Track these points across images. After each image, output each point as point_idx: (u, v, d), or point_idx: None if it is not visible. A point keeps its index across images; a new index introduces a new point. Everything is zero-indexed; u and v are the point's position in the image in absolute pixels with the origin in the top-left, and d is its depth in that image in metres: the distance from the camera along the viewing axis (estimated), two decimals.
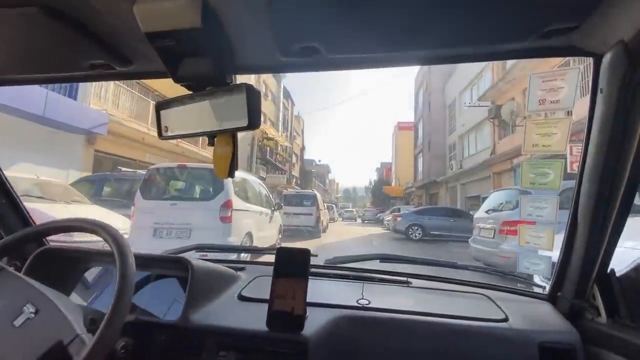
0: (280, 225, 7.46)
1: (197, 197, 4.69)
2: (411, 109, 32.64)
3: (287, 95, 31.10)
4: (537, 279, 1.44)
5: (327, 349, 0.74)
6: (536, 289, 1.14)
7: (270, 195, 6.97)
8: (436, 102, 22.70)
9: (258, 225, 5.30)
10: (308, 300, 0.73)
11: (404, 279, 1.07)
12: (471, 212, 12.02)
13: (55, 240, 0.93)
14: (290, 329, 0.71)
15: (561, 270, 0.87)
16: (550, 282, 0.93)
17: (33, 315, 0.56)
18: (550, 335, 0.78)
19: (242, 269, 1.07)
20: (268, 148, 24.20)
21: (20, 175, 5.18)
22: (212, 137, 0.62)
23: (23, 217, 0.99)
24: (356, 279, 1.07)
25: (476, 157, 15.95)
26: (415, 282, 1.07)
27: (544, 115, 0.85)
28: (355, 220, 29.80)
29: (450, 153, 21.15)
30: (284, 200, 11.66)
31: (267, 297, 0.75)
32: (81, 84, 8.69)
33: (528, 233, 0.97)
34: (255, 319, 0.75)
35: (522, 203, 0.98)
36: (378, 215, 26.57)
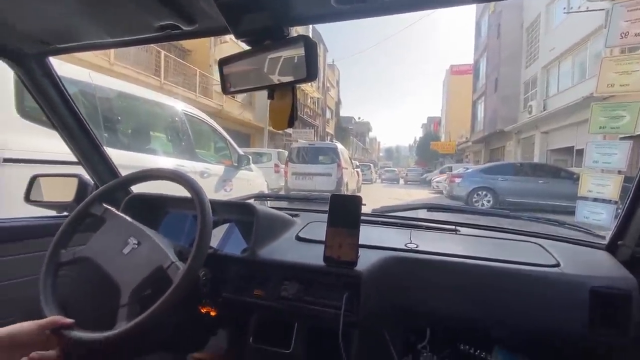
0: (261, 192, 4.47)
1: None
2: (464, 54, 26.57)
3: (318, 38, 26.67)
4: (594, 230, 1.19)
5: (377, 283, 0.79)
6: (594, 239, 1.03)
7: (232, 143, 3.92)
8: (509, 25, 16.93)
9: None
10: (360, 243, 0.76)
11: (452, 227, 1.07)
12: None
13: None
14: (344, 264, 0.77)
15: (626, 219, 0.86)
16: (612, 231, 0.92)
17: (136, 245, 0.70)
18: (604, 281, 0.77)
19: (296, 215, 1.14)
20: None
21: None
22: (271, 90, 0.62)
23: (111, 169, 1.07)
24: (404, 226, 1.08)
25: (570, 93, 11.13)
26: (463, 230, 1.07)
27: (625, 51, 0.62)
28: (397, 182, 26.03)
29: (526, 92, 15.99)
30: (294, 155, 8.49)
31: (321, 238, 0.82)
32: None
33: (591, 181, 0.99)
34: (312, 256, 0.82)
35: (588, 149, 0.99)
36: (424, 175, 22.82)
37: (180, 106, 3.21)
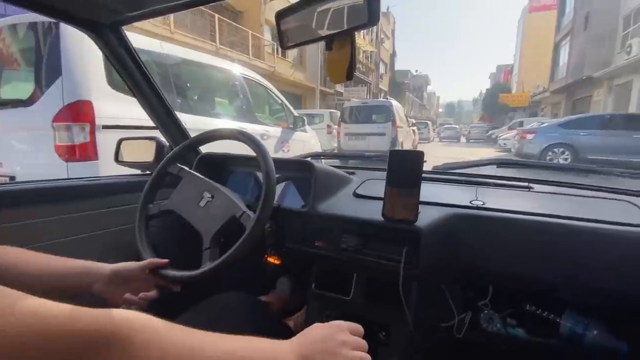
0: (316, 152, 4.56)
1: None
2: None
3: None
4: None
5: (438, 240, 0.77)
6: None
7: (287, 105, 4.00)
8: None
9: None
10: (420, 199, 0.74)
11: (525, 184, 0.98)
12: None
13: None
14: (404, 220, 0.76)
15: None
16: None
17: (211, 199, 0.77)
18: None
19: (352, 173, 1.14)
20: None
21: None
22: (330, 41, 0.59)
23: (182, 131, 1.13)
24: (469, 183, 1.03)
25: None
26: (538, 187, 0.98)
27: None
28: (459, 140, 24.22)
29: (626, 29, 13.16)
30: (346, 115, 8.36)
31: (377, 195, 0.84)
32: None
33: None
34: (369, 211, 0.82)
35: None
36: (490, 132, 20.83)
37: (239, 70, 3.33)
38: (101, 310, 0.29)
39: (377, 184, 0.97)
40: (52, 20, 1.93)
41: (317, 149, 4.70)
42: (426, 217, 0.77)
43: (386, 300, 0.81)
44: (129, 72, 0.96)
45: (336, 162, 1.70)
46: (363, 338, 0.47)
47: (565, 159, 7.10)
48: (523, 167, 1.10)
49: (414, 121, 13.11)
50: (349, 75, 0.59)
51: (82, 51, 1.78)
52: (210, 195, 0.77)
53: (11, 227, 0.75)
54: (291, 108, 4.05)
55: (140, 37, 2.24)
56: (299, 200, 0.96)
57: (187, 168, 0.85)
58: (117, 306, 0.60)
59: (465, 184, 1.03)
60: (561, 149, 7.17)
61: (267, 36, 13.32)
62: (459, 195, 0.93)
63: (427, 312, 0.82)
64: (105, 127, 1.81)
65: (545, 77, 22.82)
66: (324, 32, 0.59)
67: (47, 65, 1.80)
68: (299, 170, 0.97)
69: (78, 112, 1.74)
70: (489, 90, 40.55)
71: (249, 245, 0.68)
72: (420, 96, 52.49)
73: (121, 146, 1.13)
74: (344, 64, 0.59)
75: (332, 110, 10.82)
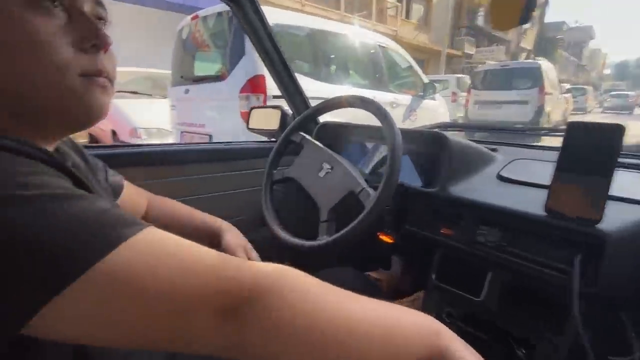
0: (444, 121, 4.33)
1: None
2: None
3: None
4: None
5: (632, 252, 0.58)
6: None
7: (419, 72, 3.86)
8: None
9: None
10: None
11: None
12: None
13: None
14: (579, 218, 0.57)
15: None
16: None
17: (330, 170, 0.76)
18: None
19: (494, 150, 0.94)
20: (480, 9, 17.25)
21: (125, 70, 4.85)
22: None
23: (304, 100, 1.15)
24: None
25: None
26: None
27: None
28: (631, 112, 18.32)
29: None
30: (480, 80, 7.42)
31: (532, 180, 0.72)
32: None
33: None
34: (520, 201, 0.67)
35: None
36: None
37: (375, 39, 3.37)
38: (253, 262, 0.29)
39: (529, 166, 0.81)
40: None
41: (446, 119, 4.42)
42: (614, 217, 0.57)
43: (530, 312, 0.68)
44: (262, 42, 1.00)
45: (469, 135, 1.49)
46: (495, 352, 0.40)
47: None
48: None
49: (567, 86, 10.64)
50: (524, 17, 0.46)
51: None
52: (329, 167, 0.76)
53: (160, 182, 0.86)
54: (422, 74, 3.88)
55: (290, 13, 2.52)
56: (416, 177, 0.88)
57: (308, 137, 0.85)
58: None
59: None
60: None
61: None
62: None
63: (593, 339, 0.64)
64: (274, 97, 2.17)
65: None
66: None
67: (232, 47, 2.24)
68: (428, 144, 0.87)
69: (255, 85, 2.14)
70: None
71: (367, 224, 0.65)
72: (578, 54, 41.48)
73: (252, 114, 1.22)
74: (516, 3, 0.46)
75: (459, 75, 9.77)
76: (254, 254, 0.66)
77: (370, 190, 0.68)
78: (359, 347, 0.26)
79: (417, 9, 14.87)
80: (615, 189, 0.61)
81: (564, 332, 0.59)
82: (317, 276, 0.64)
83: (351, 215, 0.67)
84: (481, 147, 0.89)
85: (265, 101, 2.14)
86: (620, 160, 0.78)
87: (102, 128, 4.32)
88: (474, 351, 0.30)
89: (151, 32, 7.15)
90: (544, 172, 0.63)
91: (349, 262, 0.98)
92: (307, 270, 0.69)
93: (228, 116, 2.31)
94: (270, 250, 0.71)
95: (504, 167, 0.82)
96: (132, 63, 5.43)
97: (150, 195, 0.70)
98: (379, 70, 3.33)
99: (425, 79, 3.90)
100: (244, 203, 1.03)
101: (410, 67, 3.78)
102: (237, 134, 2.17)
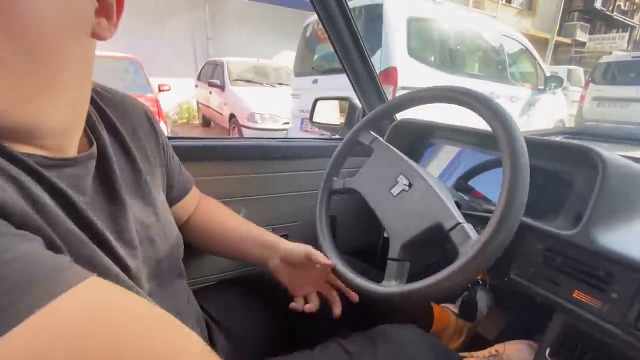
0: (561, 120, 3.95)
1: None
2: None
3: None
4: None
5: None
6: None
7: (540, 63, 3.56)
8: None
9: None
10: None
11: None
12: None
13: None
14: None
15: None
16: None
17: (407, 187, 0.57)
18: None
19: None
20: None
21: (241, 60, 5.40)
22: None
23: (379, 93, 0.99)
24: None
25: None
26: None
27: None
28: None
29: None
30: (602, 73, 6.42)
31: None
32: None
33: None
34: None
35: None
36: None
37: (499, 29, 3.21)
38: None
39: None
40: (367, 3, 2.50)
41: (564, 115, 4.01)
42: None
43: None
44: (335, 24, 0.87)
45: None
46: None
47: None
48: None
49: None
50: None
51: (394, 29, 2.24)
52: (407, 182, 0.57)
53: (211, 179, 0.76)
54: (544, 66, 3.56)
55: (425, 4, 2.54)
56: (563, 213, 0.60)
57: (381, 139, 0.67)
58: (286, 287, 0.60)
59: None
60: None
61: None
62: None
63: None
64: (402, 87, 2.25)
65: None
66: None
67: (370, 40, 2.37)
68: (565, 161, 0.63)
69: (388, 76, 2.25)
70: None
71: (461, 280, 0.45)
72: None
73: (316, 106, 1.07)
74: None
75: (570, 67, 8.59)
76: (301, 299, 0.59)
77: (470, 229, 0.47)
78: None
79: None
80: None
81: None
82: (374, 333, 0.51)
83: (433, 256, 0.54)
84: None
85: (394, 93, 2.23)
86: None
87: (222, 112, 4.94)
88: None
89: (254, 24, 7.76)
90: None
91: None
92: (375, 318, 0.53)
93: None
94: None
95: None
96: (241, 53, 6.03)
97: (202, 198, 0.64)
98: (501, 62, 3.16)
99: (548, 71, 3.57)
100: (302, 207, 0.91)
101: (533, 58, 3.50)
102: None
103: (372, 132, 0.69)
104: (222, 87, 4.85)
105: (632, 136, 0.99)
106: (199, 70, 6.28)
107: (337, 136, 1.04)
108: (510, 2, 12.92)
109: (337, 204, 0.71)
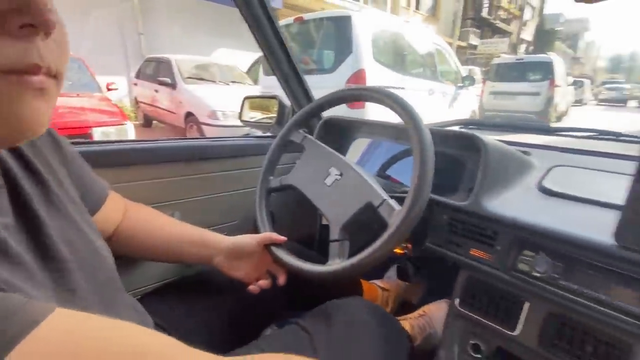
0: (473, 111, 4.96)
1: (322, 67, 3.32)
2: None
3: None
4: None
5: None
6: None
7: (458, 65, 4.44)
8: None
9: (425, 111, 3.46)
10: None
11: None
12: None
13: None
14: None
15: None
16: None
17: (339, 177, 0.63)
18: None
19: (525, 153, 0.80)
20: (486, 1, 17.68)
21: (188, 57, 5.31)
22: None
23: (307, 93, 1.03)
24: None
25: None
26: None
27: None
28: (625, 104, 19.12)
29: None
30: (495, 72, 8.02)
31: (584, 195, 0.60)
32: None
33: None
34: (570, 221, 0.55)
35: None
36: None
37: (431, 38, 3.97)
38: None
39: (576, 176, 0.70)
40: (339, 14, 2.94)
41: (475, 107, 5.05)
42: None
43: (582, 356, 0.54)
44: (260, 26, 0.89)
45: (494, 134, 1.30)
46: None
47: None
48: None
49: (571, 79, 11.31)
50: None
51: (362, 37, 2.72)
52: (338, 172, 0.64)
53: (139, 184, 0.73)
54: (460, 67, 4.47)
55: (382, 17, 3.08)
56: (439, 185, 0.74)
57: (311, 137, 0.73)
58: (241, 279, 0.61)
59: None
60: None
61: None
62: None
63: None
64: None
65: None
66: None
67: (341, 46, 2.81)
68: (457, 146, 0.77)
69: (358, 77, 2.71)
70: None
71: (392, 247, 0.53)
72: (573, 46, 42.22)
73: (245, 104, 1.08)
74: None
75: (470, 67, 10.33)
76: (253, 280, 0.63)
77: (394, 203, 0.55)
78: None
79: (426, 1, 15.26)
80: None
81: None
82: (326, 309, 0.58)
83: (368, 232, 0.60)
84: (516, 151, 0.76)
85: None
86: None
87: (174, 111, 4.84)
88: None
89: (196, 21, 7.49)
90: (601, 185, 0.56)
91: None
92: (312, 301, 0.60)
93: None
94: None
95: (545, 176, 0.71)
96: (176, 50, 5.89)
97: (129, 205, 0.60)
98: (434, 65, 3.92)
99: (463, 71, 4.49)
100: (239, 206, 0.92)
101: (452, 61, 4.36)
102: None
103: (301, 131, 0.74)
104: (173, 86, 4.77)
105: (508, 124, 1.28)
106: (134, 68, 5.94)
107: (268, 134, 1.06)
108: (418, 10, 14.70)
109: (273, 200, 0.74)
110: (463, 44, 17.32)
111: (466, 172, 0.74)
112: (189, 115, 4.55)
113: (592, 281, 0.52)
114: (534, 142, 0.88)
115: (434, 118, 3.76)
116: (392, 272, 1.03)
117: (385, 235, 0.53)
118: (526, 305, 0.59)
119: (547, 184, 0.67)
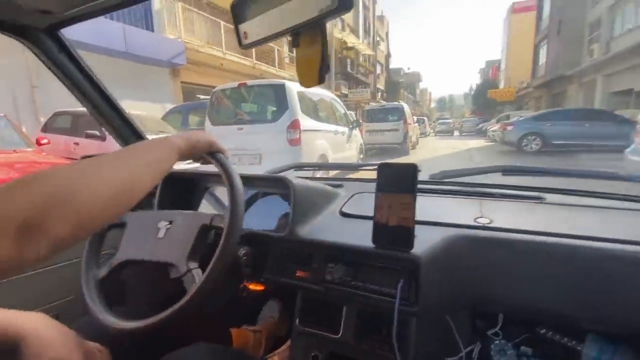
0: (361, 144, 6.77)
1: (264, 119, 4.40)
2: None
3: None
4: None
5: (440, 269, 0.66)
6: None
7: (347, 112, 6.18)
8: None
9: (334, 146, 5.09)
10: (416, 218, 0.63)
11: (535, 194, 0.87)
12: (618, 113, 8.97)
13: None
14: (398, 246, 0.64)
15: None
16: None
17: (169, 225, 0.66)
18: None
19: (339, 186, 1.03)
20: (348, 60, 22.13)
21: None
22: (296, 35, 0.51)
23: (135, 130, 1.03)
24: (472, 195, 0.92)
25: (636, 34, 11.28)
26: (550, 197, 0.86)
27: None
28: (452, 134, 26.69)
29: (590, 34, 15.58)
30: (367, 116, 10.60)
31: (368, 213, 0.70)
32: (155, 14, 8.69)
33: None
34: (358, 235, 0.71)
35: None
36: (480, 125, 23.08)
37: (327, 93, 5.56)
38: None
39: (367, 199, 0.85)
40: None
41: (361, 142, 6.88)
42: (425, 241, 0.66)
43: (382, 339, 0.66)
44: (73, 78, 0.88)
45: (322, 173, 1.72)
46: None
47: (537, 144, 9.33)
48: (532, 174, 0.93)
49: (416, 118, 15.44)
50: (321, 78, 0.50)
51: (293, 97, 3.98)
52: (167, 222, 0.66)
53: None
54: (348, 114, 6.22)
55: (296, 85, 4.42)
56: (272, 222, 0.87)
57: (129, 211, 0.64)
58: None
59: (467, 195, 0.92)
60: (533, 137, 9.40)
61: (285, 48, 15.41)
62: (461, 212, 0.84)
63: (428, 347, 0.67)
64: (303, 130, 3.96)
65: (528, 74, 25.30)
66: (288, 24, 0.49)
67: (280, 104, 3.99)
68: (276, 187, 0.88)
69: (294, 124, 3.92)
70: (479, 86, 43.14)
71: (222, 264, 0.57)
72: (413, 92, 55.07)
73: None
74: (315, 64, 0.49)
75: (348, 111, 12.98)
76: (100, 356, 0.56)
77: (224, 213, 0.61)
78: None
79: None
80: (425, 214, 0.73)
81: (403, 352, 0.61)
82: (172, 357, 0.59)
83: (215, 249, 0.60)
84: (325, 185, 0.93)
85: (299, 132, 3.92)
86: (429, 186, 1.00)
87: None
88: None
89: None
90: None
91: (224, 318, 0.94)
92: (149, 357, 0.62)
93: (277, 142, 4.02)
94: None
95: (345, 202, 0.89)
96: (74, 104, 5.95)
97: None
98: (333, 113, 5.48)
99: (352, 117, 6.26)
100: (61, 281, 0.86)
101: (344, 110, 6.07)
102: (281, 151, 3.88)
103: None
104: (102, 138, 4.97)
105: (322, 166, 1.72)
106: (27, 123, 5.67)
107: None
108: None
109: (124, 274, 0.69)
110: (337, 93, 21.03)
111: (285, 207, 0.85)
112: None
113: (368, 276, 0.66)
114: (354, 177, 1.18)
115: (342, 150, 5.31)
116: (265, 311, 1.13)
117: (221, 242, 0.57)
118: (344, 309, 0.70)
119: (345, 209, 0.85)
